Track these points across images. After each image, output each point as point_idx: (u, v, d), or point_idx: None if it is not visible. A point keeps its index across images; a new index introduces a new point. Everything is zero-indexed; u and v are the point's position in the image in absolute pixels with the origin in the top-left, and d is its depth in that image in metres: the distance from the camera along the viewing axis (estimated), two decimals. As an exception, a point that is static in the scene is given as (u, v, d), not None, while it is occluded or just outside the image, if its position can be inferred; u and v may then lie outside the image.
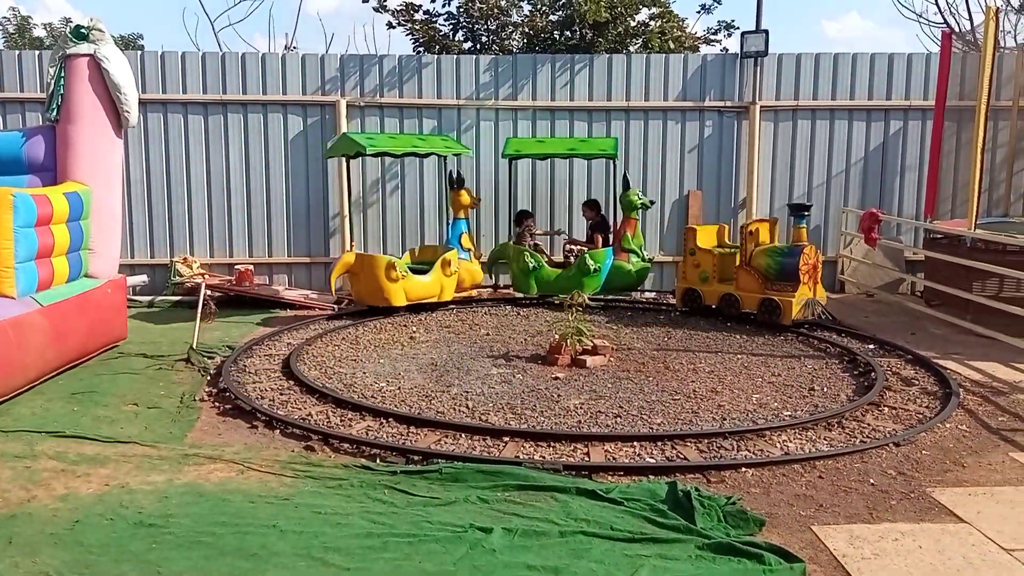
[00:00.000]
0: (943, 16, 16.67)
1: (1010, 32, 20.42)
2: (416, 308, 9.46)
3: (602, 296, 9.75)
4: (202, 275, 10.27)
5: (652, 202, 10.15)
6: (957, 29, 15.84)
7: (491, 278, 10.77)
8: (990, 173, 10.77)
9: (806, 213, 8.94)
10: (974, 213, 8.65)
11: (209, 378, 6.88)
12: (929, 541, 4.04)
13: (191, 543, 3.95)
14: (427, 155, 10.03)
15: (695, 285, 9.35)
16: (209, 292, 9.00)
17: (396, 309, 9.23)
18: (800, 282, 8.44)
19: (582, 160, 10.76)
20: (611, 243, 9.92)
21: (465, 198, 10.10)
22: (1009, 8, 18.27)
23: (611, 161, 10.17)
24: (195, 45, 18.99)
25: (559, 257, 10.46)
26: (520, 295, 10.12)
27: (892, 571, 3.75)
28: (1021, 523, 4.25)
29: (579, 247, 10.08)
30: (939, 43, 10.59)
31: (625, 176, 9.99)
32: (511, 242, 10.23)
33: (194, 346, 7.59)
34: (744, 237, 8.92)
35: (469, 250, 10.10)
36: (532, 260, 9.82)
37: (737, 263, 9.00)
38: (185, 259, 10.58)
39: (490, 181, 10.95)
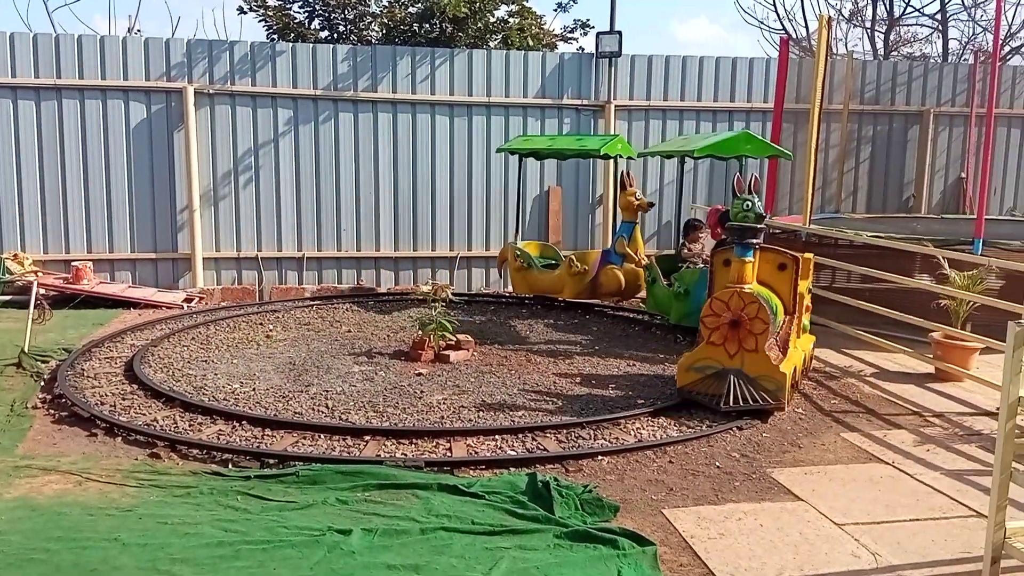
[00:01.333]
0: (782, 23, 17.71)
1: (841, 40, 22.00)
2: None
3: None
4: (35, 272, 9.54)
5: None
6: (794, 35, 16.87)
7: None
8: (823, 172, 11.54)
9: None
10: (808, 209, 9.26)
11: (43, 384, 6.41)
12: (769, 519, 4.30)
13: (22, 561, 3.67)
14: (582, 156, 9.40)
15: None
16: (43, 291, 8.37)
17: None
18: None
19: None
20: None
21: (626, 200, 9.04)
22: (841, 17, 19.61)
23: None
24: (26, 25, 17.61)
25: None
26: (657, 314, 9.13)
27: (736, 549, 3.96)
28: (852, 499, 4.58)
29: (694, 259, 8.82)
30: (778, 48, 11.25)
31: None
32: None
33: (26, 349, 7.05)
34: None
35: (623, 255, 9.05)
36: (651, 273, 8.80)
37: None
38: (15, 255, 9.78)
39: (356, 181, 10.73)
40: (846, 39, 25.43)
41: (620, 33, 10.98)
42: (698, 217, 10.11)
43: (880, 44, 21.45)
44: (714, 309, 6.00)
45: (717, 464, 5.04)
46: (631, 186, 9.09)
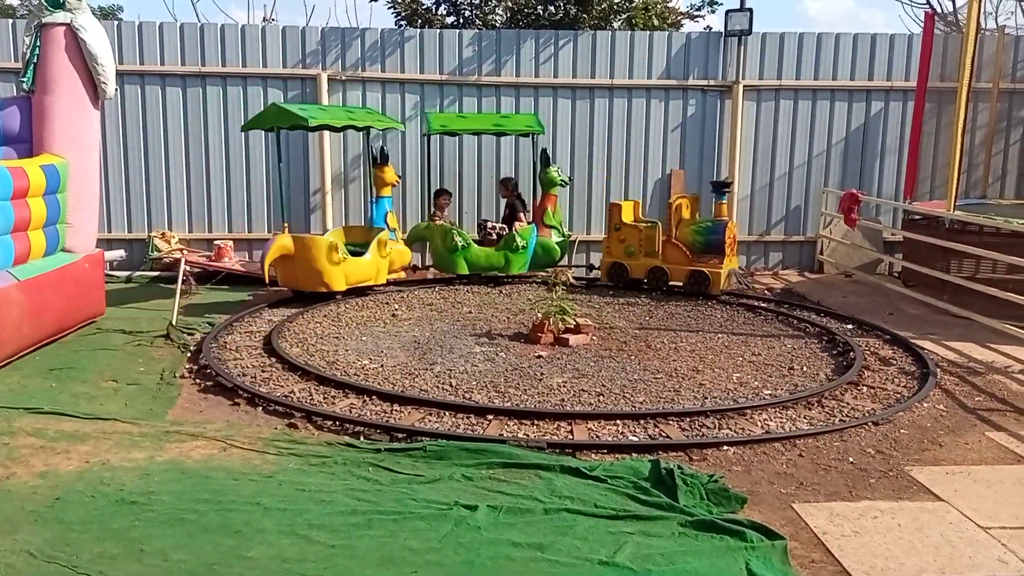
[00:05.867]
0: (925, -3, 16.71)
1: (991, 14, 20.53)
2: (360, 288, 9.41)
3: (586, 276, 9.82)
4: (181, 250, 10.15)
5: (570, 179, 10.27)
6: (939, 10, 15.87)
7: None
8: (969, 155, 10.83)
9: (726, 190, 9.45)
10: (953, 195, 8.73)
11: (189, 355, 6.82)
12: (908, 519, 4.11)
13: (174, 520, 3.93)
14: (364, 129, 9.58)
15: (621, 259, 9.61)
16: (188, 268, 8.90)
17: (334, 295, 8.69)
18: (724, 254, 9.01)
19: (509, 136, 10.63)
20: (531, 220, 9.97)
21: (390, 175, 9.57)
22: (991, -10, 18.28)
23: (534, 137, 10.18)
24: (173, 16, 18.67)
25: (474, 235, 10.12)
26: (449, 275, 9.95)
27: (871, 548, 3.81)
28: (997, 502, 4.32)
29: (491, 225, 10.06)
30: (920, 24, 10.61)
31: (544, 152, 9.97)
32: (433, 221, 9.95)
33: (173, 322, 7.52)
34: (671, 212, 9.30)
35: (395, 230, 9.65)
36: (461, 239, 9.69)
37: (663, 237, 9.31)
38: (163, 234, 10.45)
39: (468, 159, 10.87)
40: (996, 13, 23.72)
41: (751, 10, 10.62)
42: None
43: (1035, 17, 19.87)
44: (727, 237, 8.99)
45: (851, 460, 4.85)
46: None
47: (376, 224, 9.56)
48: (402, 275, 9.76)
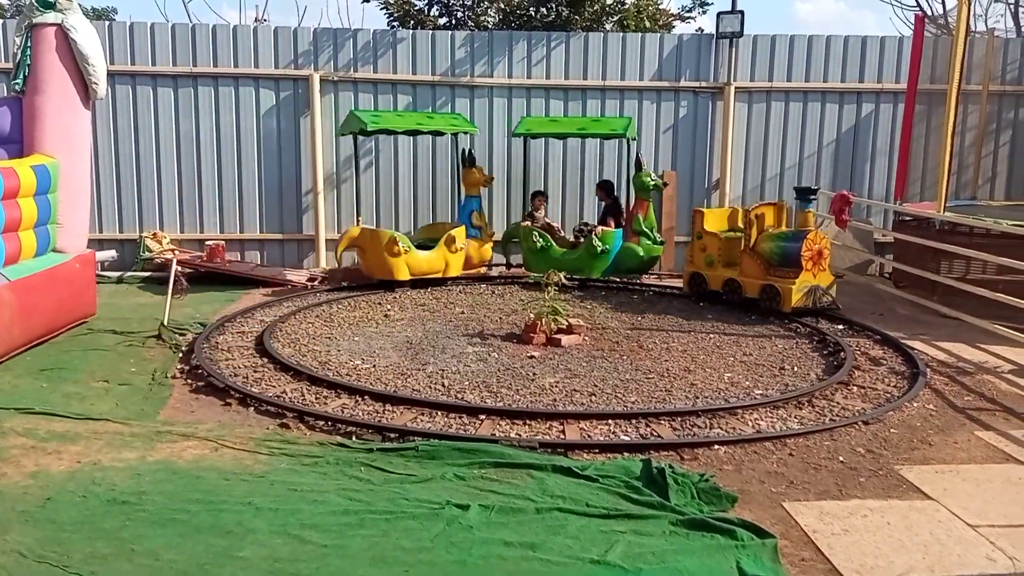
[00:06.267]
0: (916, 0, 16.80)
1: (981, 16, 20.67)
2: (391, 285, 9.43)
3: (612, 279, 9.83)
4: (172, 251, 10.14)
5: (665, 184, 9.94)
6: (930, 13, 15.97)
7: (505, 257, 10.63)
8: (959, 156, 10.91)
9: (813, 197, 8.68)
10: (943, 196, 8.78)
11: (181, 355, 6.81)
12: (897, 517, 4.13)
13: (165, 520, 3.93)
14: (432, 133, 10.06)
15: (701, 269, 9.11)
16: (180, 268, 8.89)
17: (401, 283, 9.44)
18: (802, 268, 8.23)
19: (595, 140, 10.76)
20: (623, 225, 9.77)
21: (477, 176, 9.97)
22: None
23: (624, 141, 10.01)
24: (164, 16, 18.64)
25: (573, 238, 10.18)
26: (532, 274, 9.60)
27: (861, 547, 3.83)
28: (986, 500, 4.35)
29: (590, 228, 9.93)
30: (910, 26, 10.68)
31: (638, 157, 9.63)
32: (523, 222, 10.13)
33: (165, 323, 7.51)
34: (748, 221, 8.80)
35: (479, 228, 10.04)
36: (541, 240, 9.75)
37: (742, 248, 8.82)
38: (155, 234, 10.43)
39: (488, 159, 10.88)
40: (986, 15, 23.91)
41: (742, 12, 10.68)
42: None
43: (1024, 20, 20.01)
44: (807, 247, 8.24)
45: (841, 459, 4.88)
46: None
47: (462, 222, 9.92)
48: (482, 271, 10.16)
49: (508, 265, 10.62)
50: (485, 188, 10.29)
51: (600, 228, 9.72)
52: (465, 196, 10.13)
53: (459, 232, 9.68)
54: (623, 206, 10.06)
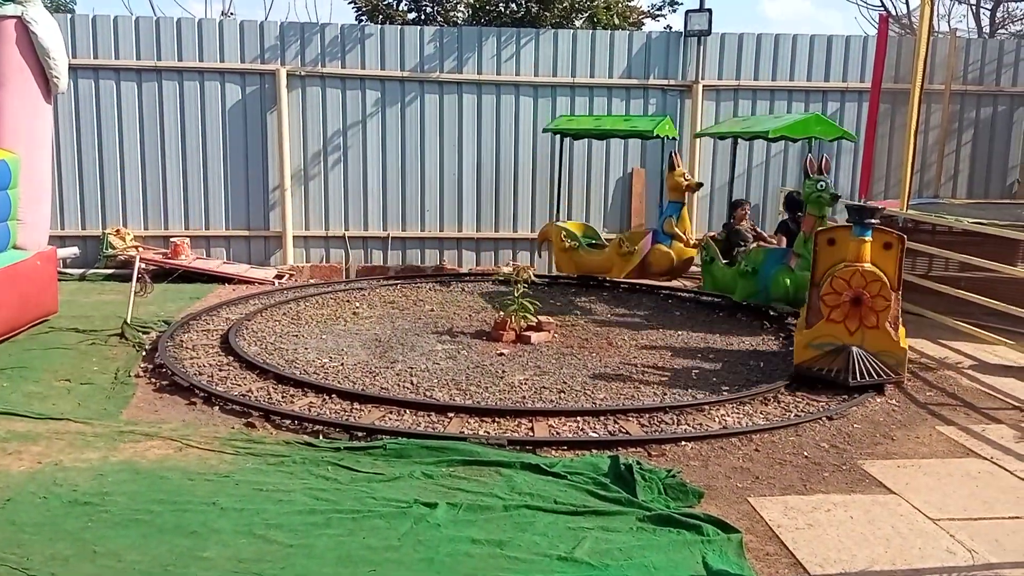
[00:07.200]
0: (881, 0, 17.03)
1: (944, 17, 21.00)
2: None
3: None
4: (136, 247, 9.99)
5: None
6: (894, 12, 16.19)
7: None
8: (922, 155, 11.08)
9: (873, 220, 6.20)
10: (906, 194, 8.90)
11: (144, 353, 6.71)
12: (860, 512, 4.19)
13: (128, 521, 3.87)
14: (606, 135, 9.89)
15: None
16: (143, 265, 8.76)
17: (567, 277, 9.90)
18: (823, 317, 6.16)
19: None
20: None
21: (674, 180, 8.96)
22: (944, -6, 18.68)
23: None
24: (128, 9, 18.33)
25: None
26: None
27: (824, 540, 3.88)
28: (947, 494, 4.43)
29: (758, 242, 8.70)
30: (875, 25, 10.82)
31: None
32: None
33: (128, 321, 7.39)
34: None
35: (670, 235, 9.02)
36: (707, 253, 8.83)
37: None
38: (118, 231, 10.26)
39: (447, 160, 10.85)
40: (949, 16, 24.29)
41: (710, 10, 10.73)
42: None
43: (986, 22, 20.38)
44: (835, 287, 6.01)
45: (805, 454, 4.93)
46: (679, 166, 9.03)
47: (653, 227, 9.39)
48: (666, 280, 9.55)
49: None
50: (690, 193, 9.23)
51: (757, 245, 8.54)
52: (668, 201, 9.18)
53: (631, 235, 9.31)
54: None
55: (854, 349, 5.98)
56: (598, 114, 10.79)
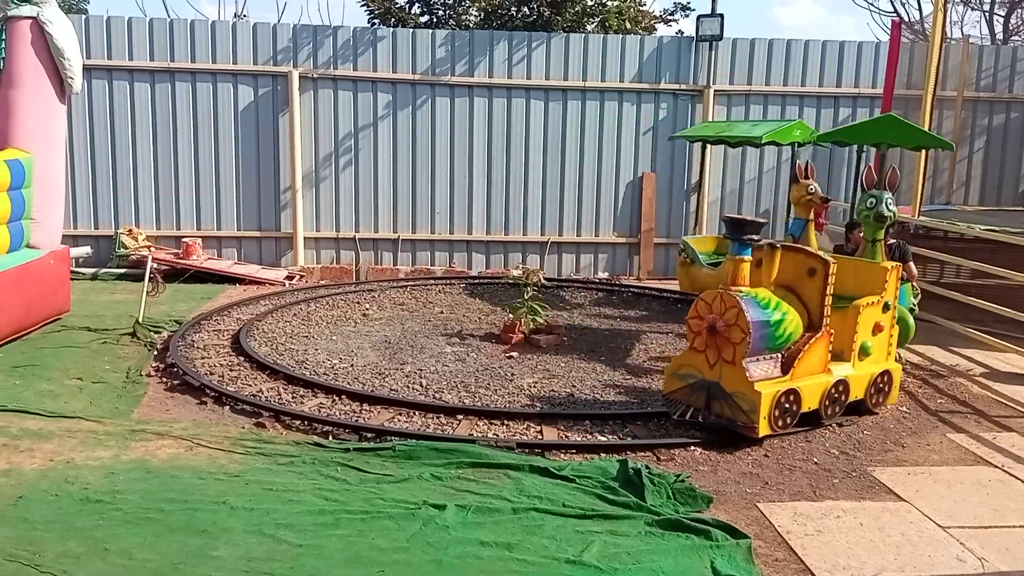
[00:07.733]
0: (893, 5, 16.96)
1: (957, 23, 20.94)
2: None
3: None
4: (148, 247, 10.04)
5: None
6: (907, 18, 16.15)
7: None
8: (934, 161, 11.05)
9: (752, 238, 5.32)
10: (918, 200, 8.88)
11: (156, 353, 6.74)
12: (870, 519, 4.18)
13: (139, 519, 3.90)
14: (741, 144, 8.86)
15: None
16: (155, 265, 8.81)
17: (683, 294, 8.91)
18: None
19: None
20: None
21: (796, 193, 7.80)
22: (958, 0, 18.64)
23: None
24: (142, 10, 18.45)
25: None
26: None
27: (834, 547, 3.87)
28: (957, 502, 4.41)
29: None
30: (888, 31, 10.79)
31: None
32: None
33: (140, 320, 7.43)
34: None
35: None
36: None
37: None
38: (130, 231, 10.31)
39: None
40: (962, 22, 24.17)
41: (722, 16, 10.73)
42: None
43: (999, 28, 20.31)
44: (698, 311, 5.26)
45: (815, 460, 4.92)
46: (810, 176, 7.78)
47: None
48: None
49: None
50: (823, 208, 8.23)
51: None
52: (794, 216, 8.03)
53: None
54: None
55: (709, 387, 5.16)
56: (730, 121, 10.25)
